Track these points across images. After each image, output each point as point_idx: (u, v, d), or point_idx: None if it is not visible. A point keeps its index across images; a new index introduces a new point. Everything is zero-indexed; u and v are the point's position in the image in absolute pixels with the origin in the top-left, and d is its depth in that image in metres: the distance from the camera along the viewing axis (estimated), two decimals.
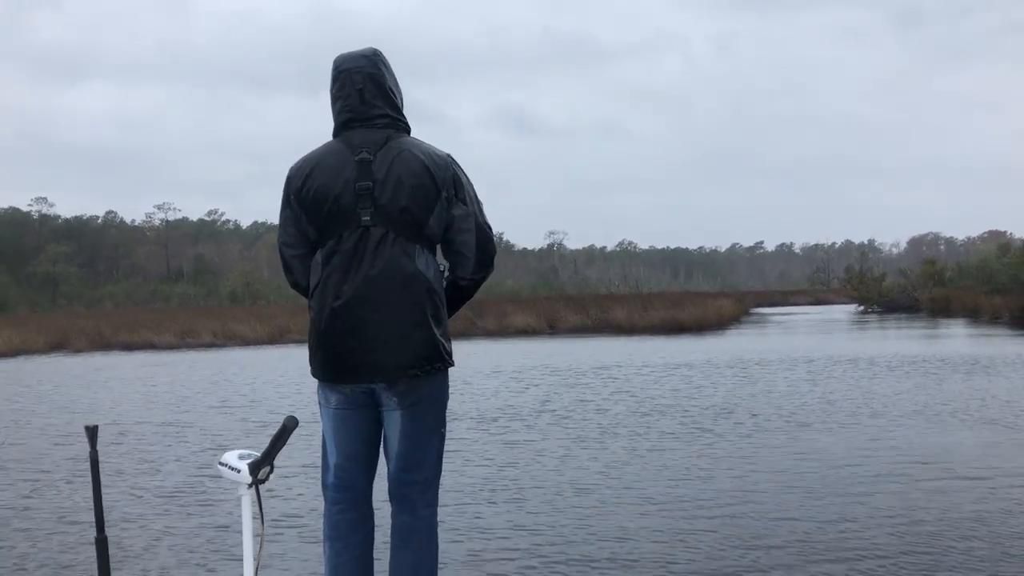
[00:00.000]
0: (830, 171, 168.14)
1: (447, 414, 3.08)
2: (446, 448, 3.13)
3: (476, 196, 3.04)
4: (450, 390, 3.11)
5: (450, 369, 3.04)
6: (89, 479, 3.18)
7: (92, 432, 3.16)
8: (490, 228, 3.05)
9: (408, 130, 3.05)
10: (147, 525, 5.62)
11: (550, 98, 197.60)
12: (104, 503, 3.21)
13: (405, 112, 3.09)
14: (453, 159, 3.01)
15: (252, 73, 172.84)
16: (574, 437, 8.50)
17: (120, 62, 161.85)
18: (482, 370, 15.87)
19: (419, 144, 2.99)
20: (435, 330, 2.90)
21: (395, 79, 3.06)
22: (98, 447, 3.16)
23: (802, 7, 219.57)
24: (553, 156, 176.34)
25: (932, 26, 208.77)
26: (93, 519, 3.18)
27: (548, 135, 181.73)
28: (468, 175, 3.06)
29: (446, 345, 2.96)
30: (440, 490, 3.10)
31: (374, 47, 3.06)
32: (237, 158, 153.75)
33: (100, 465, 3.18)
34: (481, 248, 2.99)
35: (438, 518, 3.08)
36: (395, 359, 2.84)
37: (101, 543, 3.17)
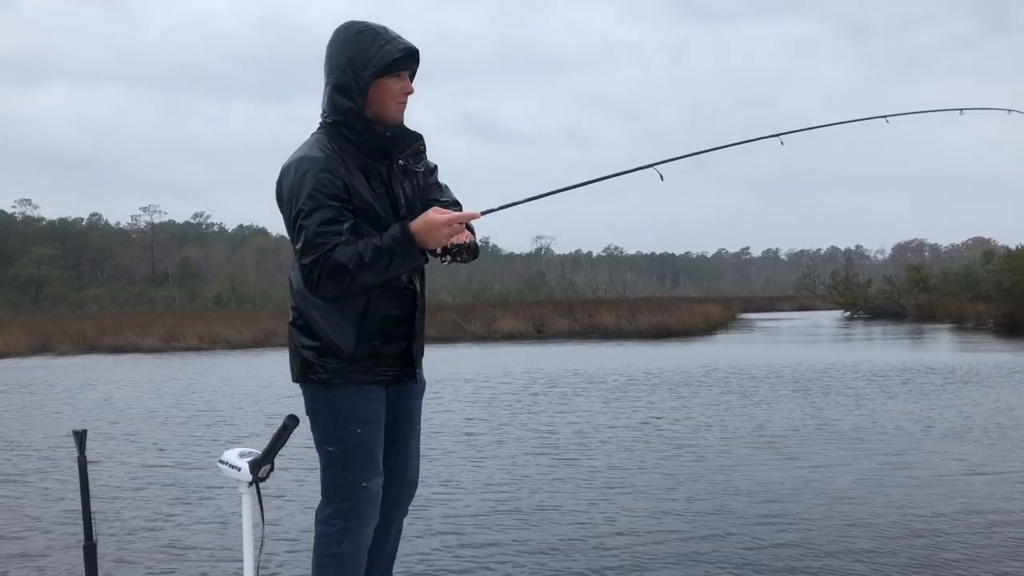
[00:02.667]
0: (808, 178, 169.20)
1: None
2: None
3: (291, 223, 2.70)
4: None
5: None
6: (77, 484, 3.14)
7: (80, 436, 3.12)
8: (302, 255, 2.66)
9: (330, 123, 2.81)
10: (137, 529, 5.55)
11: (512, 106, 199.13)
12: (92, 508, 3.17)
13: (333, 102, 2.80)
14: (280, 173, 2.75)
15: (211, 78, 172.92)
16: (534, 452, 8.45)
17: (76, 66, 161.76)
18: (445, 379, 15.82)
19: (296, 149, 2.80)
20: (296, 340, 2.86)
21: (333, 59, 2.78)
22: (86, 451, 3.12)
23: (750, 19, 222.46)
24: (524, 162, 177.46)
25: (881, 39, 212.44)
26: (81, 525, 3.14)
27: (514, 142, 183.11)
28: (291, 190, 2.69)
29: (311, 359, 2.82)
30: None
31: (348, 20, 2.82)
32: (203, 160, 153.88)
33: (88, 469, 3.14)
34: (303, 280, 2.70)
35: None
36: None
37: (89, 549, 3.13)
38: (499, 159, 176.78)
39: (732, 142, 3.21)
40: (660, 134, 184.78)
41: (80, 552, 3.18)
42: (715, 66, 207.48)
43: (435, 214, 2.64)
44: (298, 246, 2.68)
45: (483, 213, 2.73)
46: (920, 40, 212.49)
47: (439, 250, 2.70)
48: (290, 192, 2.71)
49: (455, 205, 2.99)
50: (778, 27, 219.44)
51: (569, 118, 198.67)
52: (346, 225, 2.67)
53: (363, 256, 2.61)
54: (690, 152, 3.08)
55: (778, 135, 3.31)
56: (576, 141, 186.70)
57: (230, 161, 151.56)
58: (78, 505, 3.20)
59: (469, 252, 2.77)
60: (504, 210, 2.80)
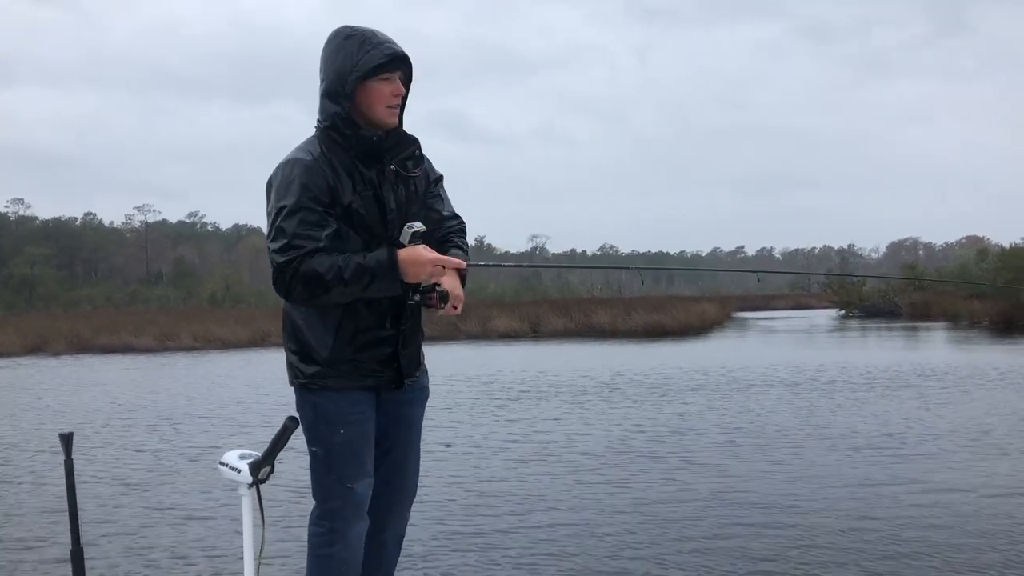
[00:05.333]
0: (791, 180, 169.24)
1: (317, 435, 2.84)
2: None
3: (271, 220, 2.70)
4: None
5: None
6: (64, 487, 3.09)
7: (67, 439, 3.07)
8: (271, 256, 2.67)
9: (322, 128, 2.79)
10: (125, 534, 5.49)
11: (486, 107, 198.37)
12: (79, 512, 3.12)
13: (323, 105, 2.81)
14: (276, 171, 2.75)
15: (185, 81, 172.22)
16: (518, 459, 8.40)
17: (48, 70, 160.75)
18: (434, 379, 15.77)
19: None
20: (285, 344, 2.91)
21: (324, 65, 2.78)
22: (73, 455, 3.07)
23: (709, 23, 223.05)
24: (506, 163, 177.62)
25: (843, 41, 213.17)
26: (68, 529, 3.08)
27: (491, 142, 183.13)
28: (277, 189, 2.70)
29: (294, 362, 2.86)
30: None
31: (340, 26, 2.81)
32: (184, 161, 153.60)
33: (75, 473, 3.09)
34: (274, 282, 2.73)
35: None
36: None
37: (77, 554, 3.08)
38: (477, 160, 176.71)
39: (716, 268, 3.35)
40: (638, 133, 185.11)
41: (67, 557, 3.13)
42: (682, 67, 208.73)
43: (425, 250, 2.65)
44: (275, 245, 2.66)
45: (469, 265, 2.79)
46: (881, 42, 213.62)
47: (411, 290, 2.70)
48: (276, 193, 2.72)
49: (453, 218, 3.02)
50: (739, 30, 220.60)
51: (543, 118, 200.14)
52: (327, 231, 2.66)
53: (343, 270, 2.60)
54: (672, 267, 3.26)
55: (756, 271, 3.63)
56: (553, 141, 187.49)
57: (211, 162, 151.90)
58: (65, 509, 3.14)
59: (441, 299, 2.72)
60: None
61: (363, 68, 2.70)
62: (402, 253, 2.63)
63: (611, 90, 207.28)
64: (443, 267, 2.67)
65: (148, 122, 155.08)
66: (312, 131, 2.85)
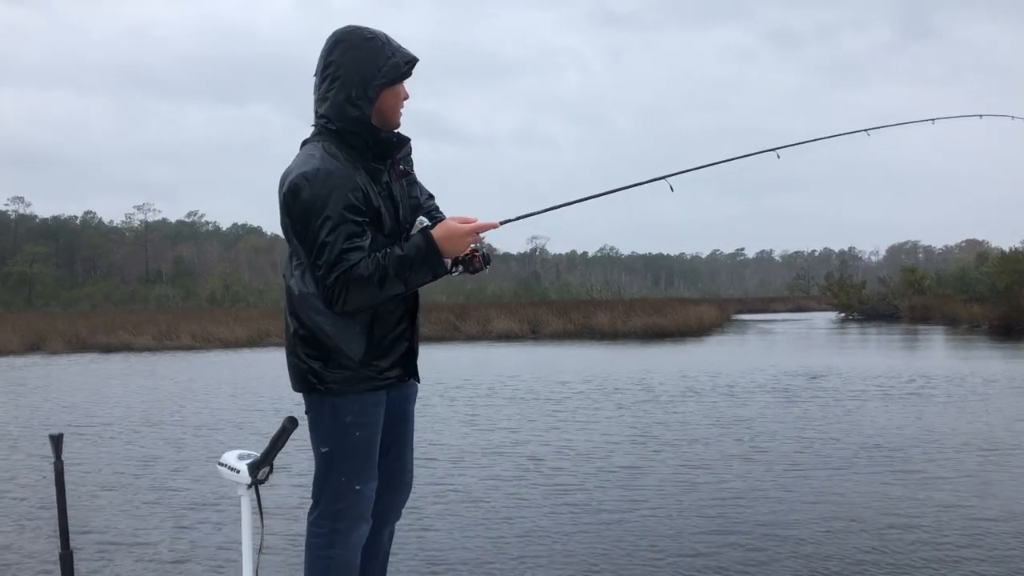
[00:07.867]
0: (780, 183, 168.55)
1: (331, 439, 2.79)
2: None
3: (310, 234, 2.59)
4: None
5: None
6: (53, 490, 3.05)
7: (57, 441, 3.04)
8: (317, 272, 2.60)
9: (333, 130, 2.73)
10: (117, 538, 5.44)
11: (464, 109, 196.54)
12: (69, 515, 3.08)
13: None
14: (293, 183, 2.61)
15: (159, 82, 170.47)
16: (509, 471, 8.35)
17: (26, 72, 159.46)
18: (430, 381, 15.73)
19: (299, 156, 2.72)
20: (299, 351, 2.77)
21: (339, 66, 2.71)
22: (63, 456, 3.04)
23: (679, 28, 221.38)
24: (498, 165, 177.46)
25: (810, 46, 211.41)
26: (57, 532, 3.04)
27: (472, 144, 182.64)
28: (312, 201, 2.59)
29: (317, 369, 2.75)
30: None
31: (351, 25, 2.78)
32: (159, 161, 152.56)
33: (65, 475, 3.05)
34: (322, 296, 2.65)
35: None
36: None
37: (66, 558, 3.04)
38: (463, 162, 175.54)
39: (733, 156, 3.32)
40: (621, 136, 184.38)
41: (56, 561, 3.09)
42: (656, 71, 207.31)
43: (456, 223, 2.66)
44: (319, 261, 2.60)
45: (502, 223, 2.75)
46: (849, 47, 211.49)
47: (449, 261, 2.71)
48: (311, 205, 2.61)
49: (431, 199, 3.04)
50: (707, 35, 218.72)
51: (523, 120, 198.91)
52: (367, 240, 2.66)
53: (387, 268, 2.61)
54: (699, 165, 3.20)
55: (774, 149, 3.43)
56: (537, 143, 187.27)
57: (208, 162, 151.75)
58: (54, 512, 3.10)
59: (483, 260, 2.77)
60: (520, 220, 2.85)
61: (389, 75, 2.73)
62: (436, 232, 2.64)
63: (589, 93, 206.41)
64: (477, 233, 2.67)
65: (144, 122, 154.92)
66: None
